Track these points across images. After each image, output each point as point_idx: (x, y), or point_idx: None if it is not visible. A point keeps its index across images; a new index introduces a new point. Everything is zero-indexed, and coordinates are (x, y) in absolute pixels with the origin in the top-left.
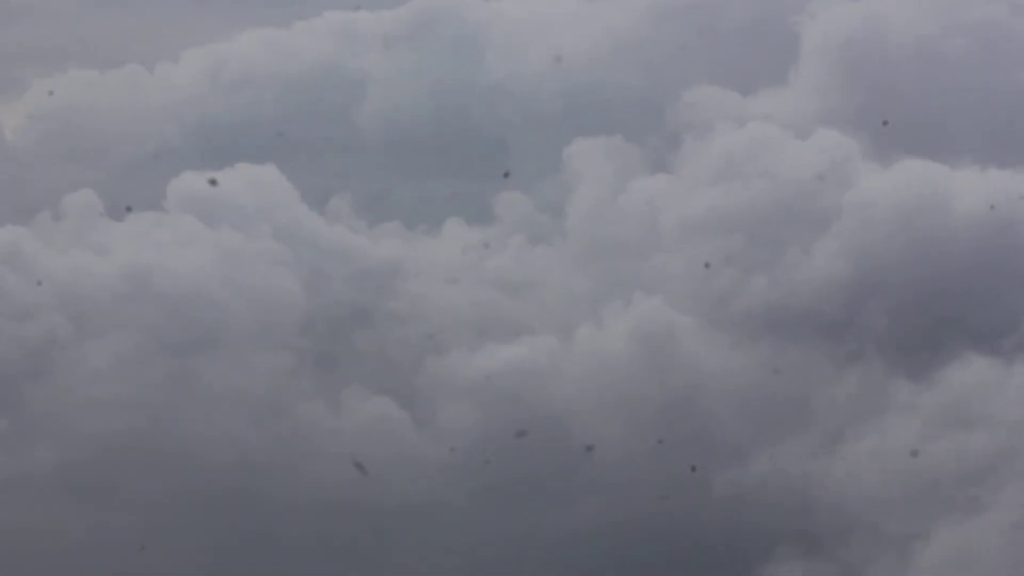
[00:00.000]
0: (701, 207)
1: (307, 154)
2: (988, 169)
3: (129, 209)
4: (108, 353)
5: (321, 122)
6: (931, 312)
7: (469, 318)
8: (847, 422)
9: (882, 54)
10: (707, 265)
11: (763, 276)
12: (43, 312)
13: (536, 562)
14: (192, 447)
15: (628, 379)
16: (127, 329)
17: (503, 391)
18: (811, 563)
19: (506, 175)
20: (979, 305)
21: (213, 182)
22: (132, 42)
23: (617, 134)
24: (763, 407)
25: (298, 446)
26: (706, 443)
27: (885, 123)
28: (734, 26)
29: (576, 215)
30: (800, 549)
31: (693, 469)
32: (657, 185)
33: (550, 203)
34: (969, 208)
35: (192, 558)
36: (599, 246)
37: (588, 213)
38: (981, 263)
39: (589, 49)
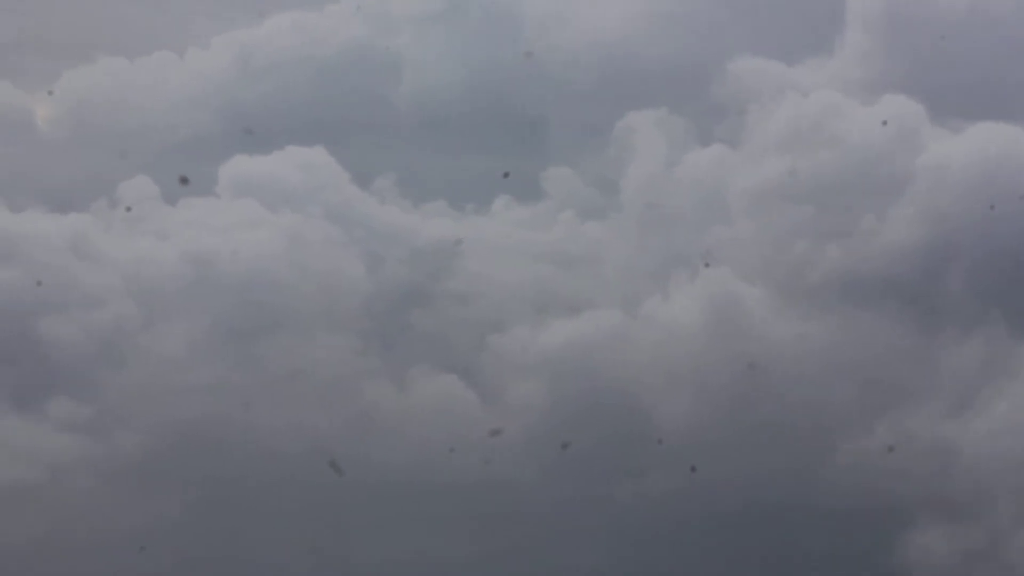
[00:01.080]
0: (767, 177)
1: (347, 136)
2: None
3: (185, 181)
4: (177, 338)
5: (358, 104)
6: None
7: (527, 295)
8: (970, 386)
9: (931, 17)
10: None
11: (836, 244)
12: (112, 299)
13: (610, 532)
14: (261, 430)
15: (698, 350)
16: (194, 314)
17: (569, 366)
18: (956, 528)
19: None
20: None
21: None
22: (160, 30)
23: (662, 107)
24: (851, 375)
25: (366, 427)
26: (786, 412)
27: (944, 87)
28: None
29: (630, 188)
30: (942, 515)
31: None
32: (714, 156)
33: (598, 178)
34: None
35: (262, 540)
36: (656, 219)
37: (643, 186)
38: None
39: (626, 23)
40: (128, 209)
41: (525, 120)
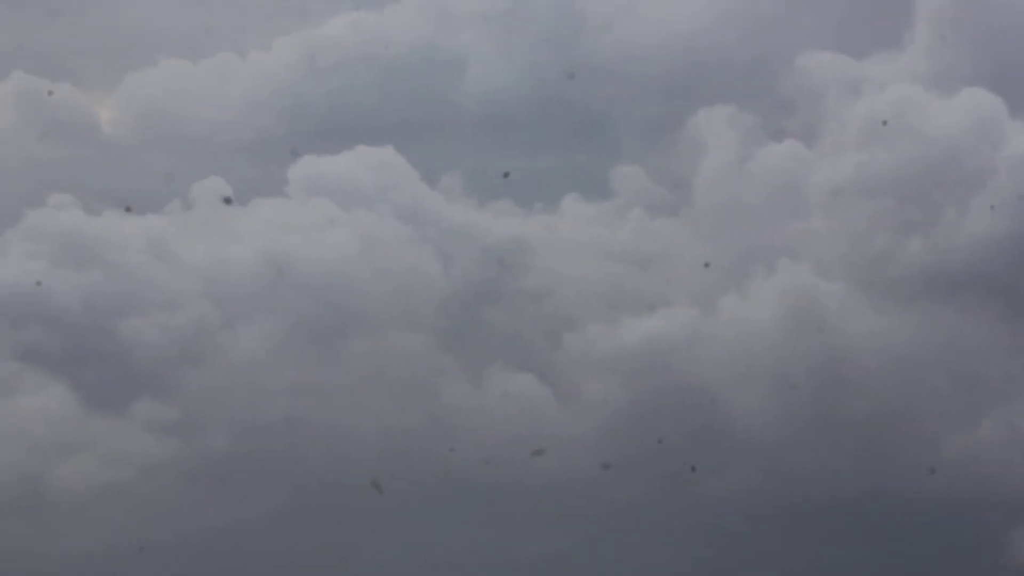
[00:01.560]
0: (845, 171)
1: (413, 135)
2: None
3: (229, 201)
4: (256, 339)
5: (423, 103)
6: None
7: (600, 292)
8: None
9: (1001, 9)
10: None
11: (917, 238)
12: (191, 300)
13: (689, 529)
14: (339, 431)
15: (777, 346)
16: (272, 315)
17: (645, 363)
18: None
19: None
20: None
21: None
22: (221, 32)
23: (730, 103)
24: (938, 368)
25: (443, 426)
26: (871, 407)
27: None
28: None
29: (702, 185)
30: None
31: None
32: (787, 151)
33: (667, 175)
34: None
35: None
36: (730, 215)
37: (715, 182)
38: None
39: (691, 18)
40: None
41: (591, 118)
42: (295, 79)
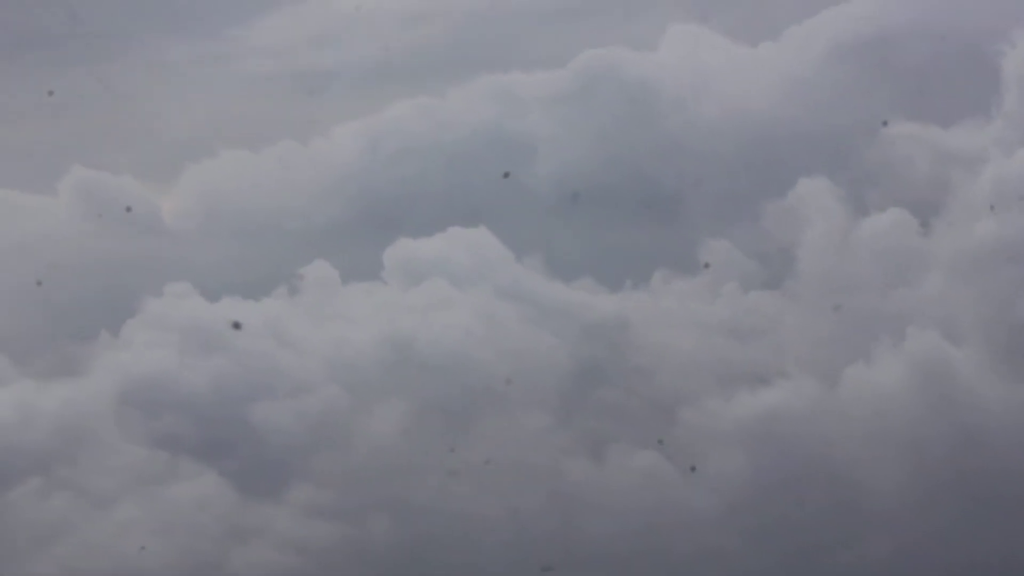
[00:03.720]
0: (971, 238)
1: (490, 217)
2: None
3: (238, 326)
4: (387, 420)
5: (494, 185)
6: None
7: (708, 366)
8: None
9: None
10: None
11: None
12: (318, 383)
13: None
14: (466, 508)
15: (907, 417)
16: (398, 395)
17: (767, 436)
18: None
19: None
20: None
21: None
22: (279, 122)
23: (815, 175)
24: None
25: (569, 504)
26: (1006, 478)
27: None
28: (919, 61)
29: (805, 256)
30: None
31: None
32: (892, 220)
33: (758, 248)
34: None
35: None
36: (838, 285)
37: (818, 252)
38: None
39: (762, 94)
40: None
41: (668, 194)
42: (361, 165)
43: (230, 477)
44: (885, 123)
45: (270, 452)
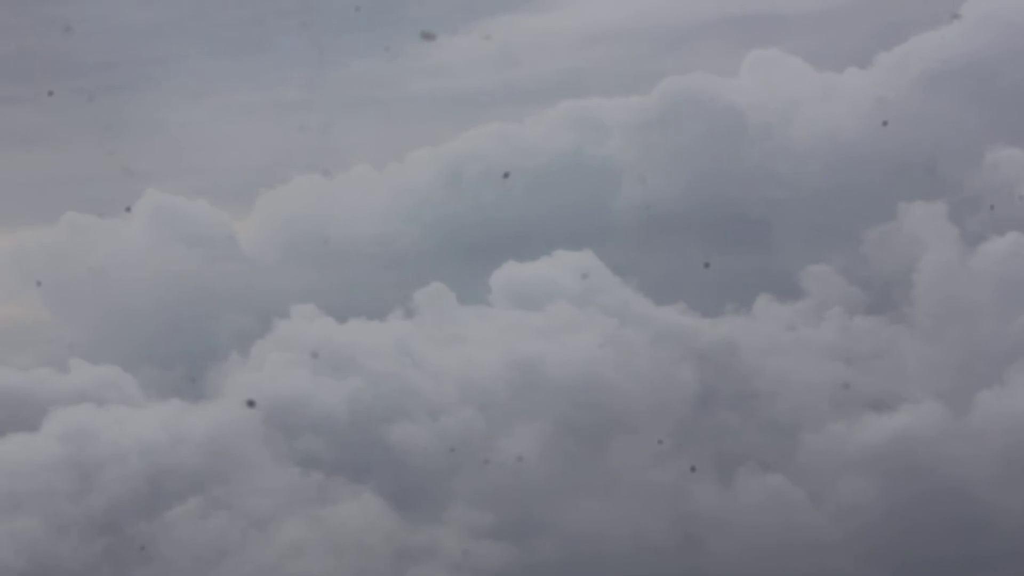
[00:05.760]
0: None
1: (579, 242)
2: None
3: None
4: (523, 441)
5: (577, 212)
6: None
7: (823, 391)
8: None
9: None
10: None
11: None
12: (451, 404)
13: None
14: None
15: None
16: (530, 417)
17: (897, 462)
18: None
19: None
20: None
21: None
22: (352, 148)
23: (919, 200)
24: None
25: (696, 529)
26: None
27: None
28: (1016, 85)
29: (920, 281)
30: None
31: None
32: (1012, 244)
33: (862, 273)
34: None
35: None
36: (958, 309)
37: (934, 277)
38: None
39: (853, 120)
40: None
41: (759, 221)
42: (438, 190)
43: (385, 498)
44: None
45: (415, 473)
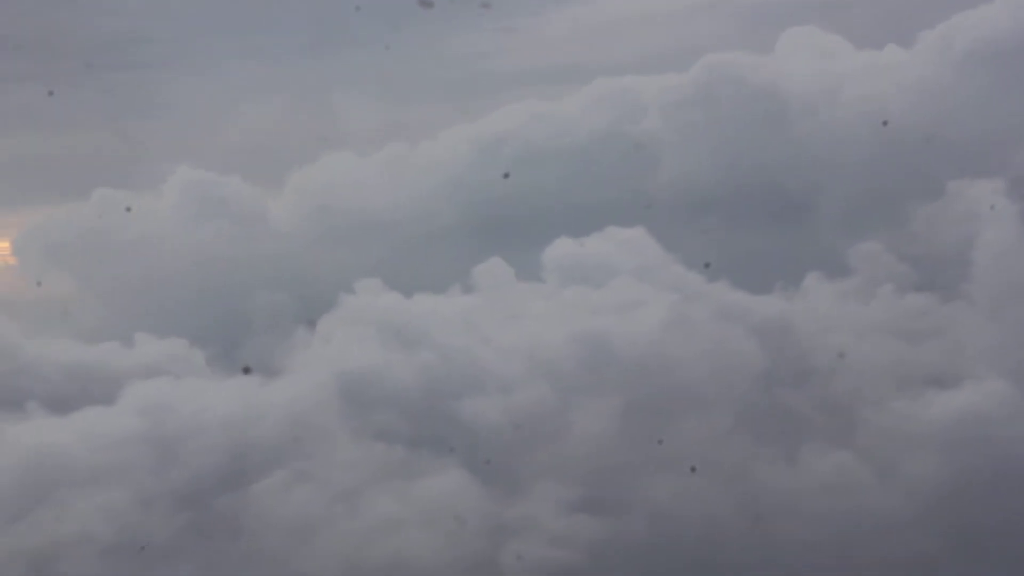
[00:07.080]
0: None
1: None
2: None
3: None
4: (596, 417)
5: (615, 189)
6: None
7: (882, 368)
8: None
9: None
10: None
11: None
12: (521, 380)
13: None
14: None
15: None
16: (599, 392)
17: (962, 439)
18: None
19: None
20: None
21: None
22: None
23: (968, 178)
24: None
25: (762, 505)
26: None
27: None
28: None
29: (975, 258)
30: None
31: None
32: None
33: (909, 251)
34: None
35: None
36: (1013, 287)
37: (990, 255)
38: None
39: (896, 98)
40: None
41: (803, 199)
42: (475, 168)
43: (470, 471)
44: None
45: (494, 448)
